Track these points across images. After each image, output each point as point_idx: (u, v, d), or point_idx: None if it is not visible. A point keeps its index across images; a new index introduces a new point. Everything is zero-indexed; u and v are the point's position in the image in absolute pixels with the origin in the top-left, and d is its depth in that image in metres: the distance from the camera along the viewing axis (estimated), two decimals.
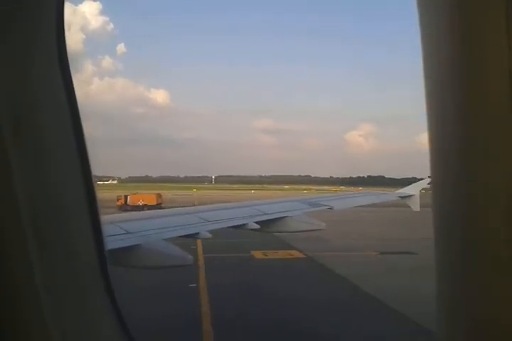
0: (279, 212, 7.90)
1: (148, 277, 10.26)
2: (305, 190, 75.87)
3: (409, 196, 13.01)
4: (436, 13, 0.90)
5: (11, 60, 1.16)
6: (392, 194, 14.05)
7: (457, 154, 0.90)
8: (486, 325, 0.89)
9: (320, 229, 8.13)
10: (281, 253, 16.62)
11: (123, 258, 5.94)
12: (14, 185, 1.15)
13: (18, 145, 1.17)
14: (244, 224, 7.15)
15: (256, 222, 7.19)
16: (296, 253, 16.67)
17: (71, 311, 1.35)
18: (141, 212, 7.82)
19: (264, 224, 7.34)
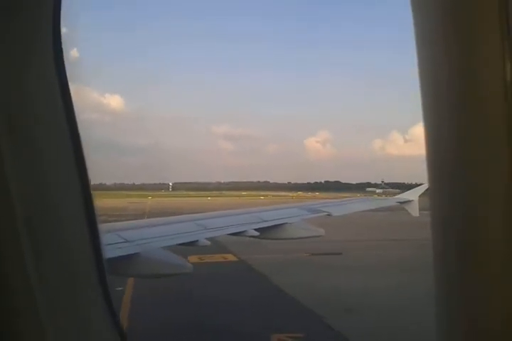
0: (278, 218, 7.88)
1: None
2: (262, 196, 75.85)
3: (408, 201, 13.25)
4: (429, 16, 0.91)
5: (8, 61, 1.16)
6: (391, 199, 14.33)
7: (454, 155, 0.91)
8: (485, 325, 0.90)
9: (319, 236, 8.18)
10: (216, 257, 17.48)
11: (121, 267, 5.74)
12: (10, 190, 1.15)
13: (13, 144, 1.16)
14: (243, 231, 7.09)
15: (255, 229, 7.14)
16: (230, 257, 17.80)
17: (67, 318, 1.35)
18: (140, 221, 7.55)
19: (263, 231, 7.31)
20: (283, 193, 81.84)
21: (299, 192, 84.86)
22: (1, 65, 1.14)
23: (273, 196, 75.38)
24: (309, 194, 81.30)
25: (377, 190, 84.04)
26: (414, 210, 13.05)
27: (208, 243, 6.77)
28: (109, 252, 5.64)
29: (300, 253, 17.98)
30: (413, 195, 13.24)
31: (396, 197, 14.38)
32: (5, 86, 1.15)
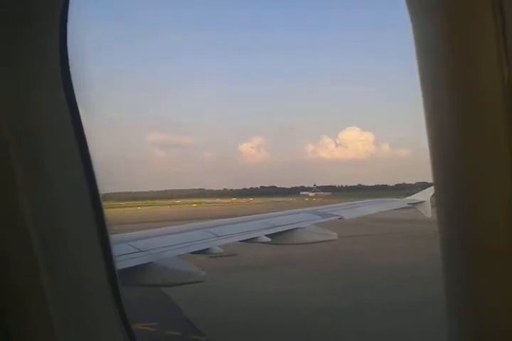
0: (289, 224, 7.85)
1: None
2: (195, 203, 72.99)
3: (420, 202, 13.15)
4: (427, 19, 0.93)
5: (18, 74, 1.20)
6: (403, 201, 14.13)
7: (456, 156, 0.92)
8: (497, 323, 0.89)
9: (332, 240, 8.10)
10: None
11: (135, 276, 5.79)
12: (22, 204, 1.18)
13: (22, 157, 1.19)
14: (255, 238, 7.09)
15: (267, 235, 7.14)
16: None
17: (80, 329, 1.37)
18: (152, 230, 7.62)
19: (275, 236, 7.29)
20: (218, 200, 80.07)
21: (233, 199, 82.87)
22: (11, 78, 1.18)
23: (206, 203, 73.18)
24: (243, 200, 79.76)
25: (310, 194, 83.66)
26: (426, 211, 12.83)
27: (221, 250, 6.79)
28: (122, 263, 5.72)
29: (201, 256, 18.71)
30: (425, 195, 13.00)
31: (408, 198, 14.15)
32: (14, 99, 1.19)
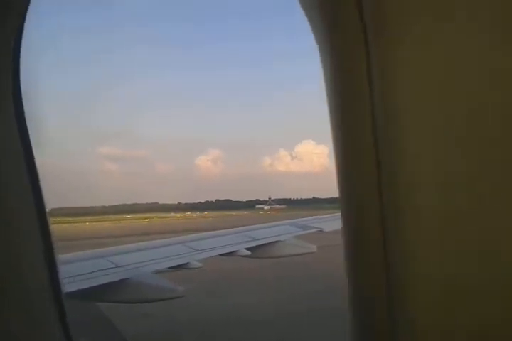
0: (269, 236, 7.82)
1: None
2: (146, 218, 70.86)
3: None
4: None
5: None
6: None
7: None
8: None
9: (312, 252, 8.10)
10: None
11: (111, 293, 5.68)
12: None
13: None
14: (234, 251, 7.05)
15: (246, 249, 7.10)
16: None
17: None
18: (130, 245, 7.48)
19: (255, 249, 7.26)
20: (172, 214, 79.28)
21: (188, 213, 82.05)
22: None
23: (159, 218, 71.64)
24: (198, 213, 79.30)
25: (265, 207, 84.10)
26: None
27: (200, 265, 6.73)
28: (99, 279, 5.60)
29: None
30: None
31: None
32: None
